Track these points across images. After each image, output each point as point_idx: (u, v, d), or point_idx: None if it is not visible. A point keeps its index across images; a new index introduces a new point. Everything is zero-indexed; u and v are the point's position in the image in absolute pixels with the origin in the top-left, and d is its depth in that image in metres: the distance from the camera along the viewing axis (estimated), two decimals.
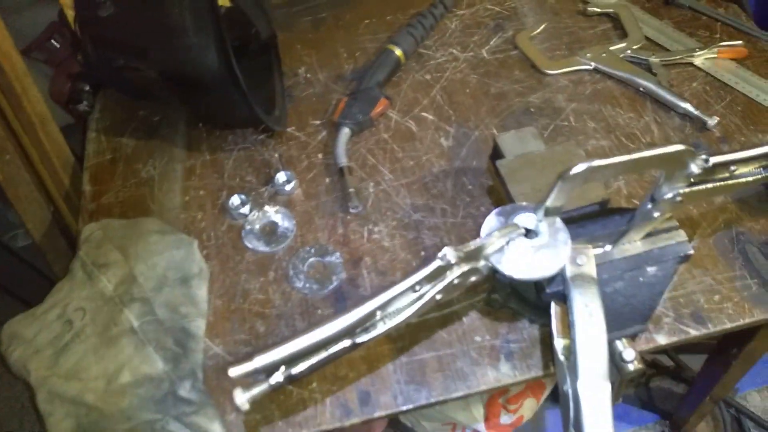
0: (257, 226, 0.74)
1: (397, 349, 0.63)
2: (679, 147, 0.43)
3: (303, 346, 0.42)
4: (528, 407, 1.10)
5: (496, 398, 1.09)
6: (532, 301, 0.62)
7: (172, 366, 0.60)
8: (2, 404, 1.35)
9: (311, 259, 0.70)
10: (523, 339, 0.63)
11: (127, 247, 0.70)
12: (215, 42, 0.69)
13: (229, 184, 0.78)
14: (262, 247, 0.72)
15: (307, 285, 0.68)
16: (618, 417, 1.26)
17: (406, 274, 0.46)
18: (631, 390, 1.27)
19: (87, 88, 0.80)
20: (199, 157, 0.82)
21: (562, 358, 0.48)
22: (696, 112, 0.77)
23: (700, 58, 0.84)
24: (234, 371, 0.40)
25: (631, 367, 0.51)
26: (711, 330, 0.62)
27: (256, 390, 0.43)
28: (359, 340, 0.46)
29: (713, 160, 0.45)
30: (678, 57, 0.84)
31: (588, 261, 0.47)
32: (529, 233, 0.46)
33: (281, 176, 0.76)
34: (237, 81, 0.70)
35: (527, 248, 0.46)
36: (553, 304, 0.51)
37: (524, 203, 0.49)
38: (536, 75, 0.86)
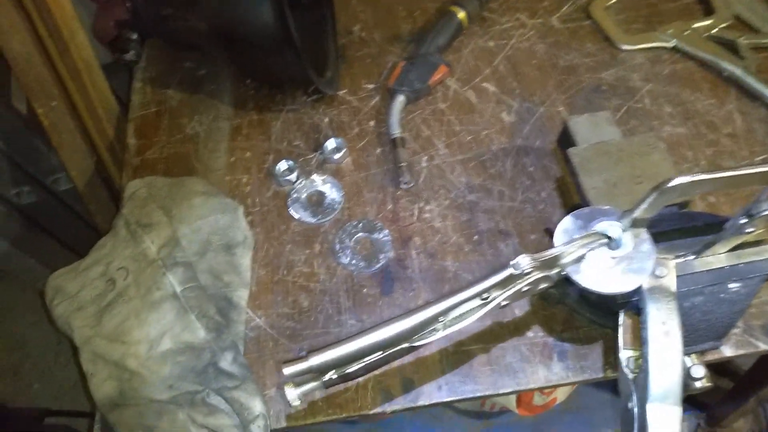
0: (304, 195, 0.71)
1: (444, 337, 0.60)
2: None
3: (360, 348, 0.40)
4: (563, 390, 1.08)
5: None
6: (593, 301, 0.59)
7: (215, 336, 0.59)
8: (39, 339, 1.38)
9: (358, 235, 0.67)
10: (579, 339, 0.60)
11: (171, 207, 0.68)
12: None
13: (275, 148, 0.75)
14: (308, 218, 0.69)
15: (354, 261, 0.65)
16: None
17: (474, 281, 0.43)
18: None
19: (134, 36, 0.77)
20: (246, 116, 0.78)
21: (628, 373, 0.45)
22: None
23: None
24: (288, 370, 0.38)
25: (698, 384, 0.47)
26: None
27: (308, 386, 0.41)
28: (417, 343, 0.43)
29: None
30: None
31: (668, 273, 0.43)
32: (610, 242, 0.42)
33: (331, 143, 0.73)
34: (291, 39, 0.65)
35: (607, 259, 0.42)
36: (622, 313, 0.47)
37: (605, 207, 0.45)
38: (610, 49, 0.80)
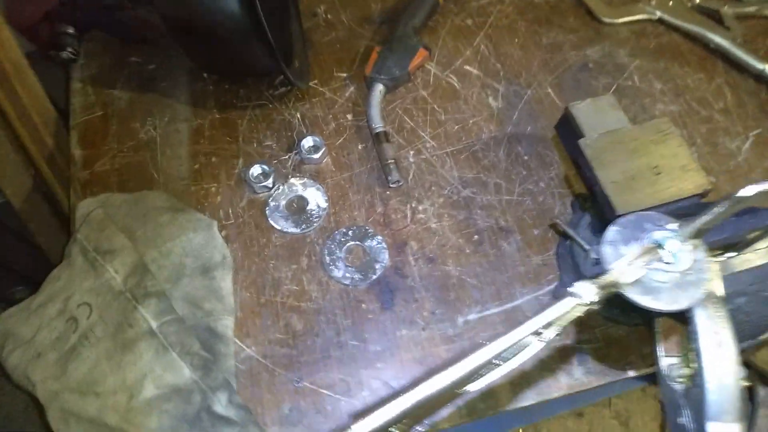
0: (283, 202, 0.64)
1: (455, 349, 0.56)
2: None
3: (411, 406, 0.35)
4: None
5: None
6: (611, 300, 0.56)
7: (202, 374, 0.52)
8: (6, 399, 1.23)
9: (349, 243, 0.61)
10: (596, 339, 0.56)
11: (133, 228, 0.60)
12: None
13: (245, 150, 0.67)
14: (291, 228, 0.62)
15: (347, 274, 0.59)
16: None
17: (533, 314, 0.38)
18: None
19: (70, 30, 0.66)
20: (207, 115, 0.70)
21: (674, 384, 0.42)
22: None
23: None
24: (359, 428, 0.33)
25: None
26: None
27: None
28: (470, 389, 0.38)
29: None
30: (753, 8, 0.74)
31: (714, 276, 0.40)
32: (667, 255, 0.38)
33: (308, 142, 0.66)
34: (261, 28, 0.57)
35: (662, 273, 0.38)
36: (658, 319, 0.44)
37: (649, 213, 0.41)
38: (593, 24, 0.76)
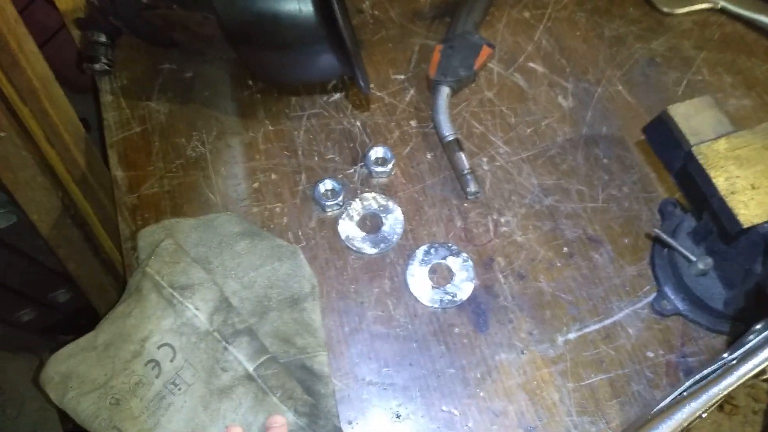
0: (356, 220, 0.59)
1: (559, 372, 0.53)
2: None
3: None
4: None
5: None
6: (715, 309, 0.54)
7: (308, 421, 0.48)
8: None
9: (433, 262, 0.57)
10: (701, 351, 0.54)
11: (209, 258, 0.55)
12: None
13: (306, 164, 0.62)
14: (368, 248, 0.58)
15: (435, 296, 0.56)
16: None
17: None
18: None
19: (103, 38, 0.59)
20: (259, 127, 0.64)
21: None
22: None
23: None
24: None
25: None
26: None
27: None
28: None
29: None
30: None
31: None
32: None
33: (376, 152, 0.61)
34: (338, 32, 0.52)
35: None
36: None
37: None
38: (653, 14, 0.73)
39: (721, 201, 0.48)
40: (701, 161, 0.50)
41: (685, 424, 0.36)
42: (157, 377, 0.49)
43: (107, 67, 0.60)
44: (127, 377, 0.50)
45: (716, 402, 0.36)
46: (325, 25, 0.53)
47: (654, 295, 0.57)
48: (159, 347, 0.51)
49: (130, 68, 0.67)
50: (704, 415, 0.37)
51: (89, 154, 0.67)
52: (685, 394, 0.37)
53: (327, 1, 0.52)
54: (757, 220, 0.47)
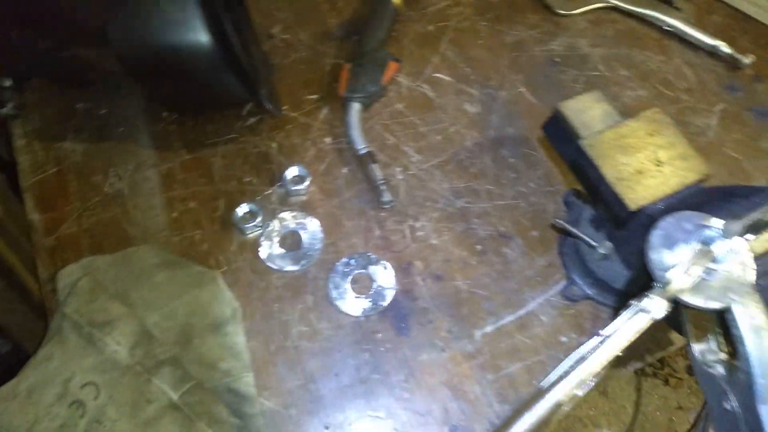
0: (275, 240, 0.61)
1: (478, 366, 0.55)
2: None
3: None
4: None
5: None
6: (619, 290, 0.57)
7: None
8: None
9: (354, 273, 0.59)
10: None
11: (128, 292, 0.56)
12: (200, 9, 0.52)
13: (224, 189, 0.64)
14: (289, 266, 0.59)
15: (357, 305, 0.57)
16: None
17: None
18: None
19: (8, 83, 0.59)
20: (175, 157, 0.65)
21: (715, 371, 0.43)
22: (729, 51, 0.72)
23: None
24: None
25: None
26: None
27: None
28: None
29: None
30: None
31: (748, 263, 0.41)
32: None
33: (291, 172, 0.63)
34: (234, 59, 0.54)
35: (707, 270, 0.38)
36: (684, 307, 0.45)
37: (686, 212, 0.41)
38: (551, 17, 0.76)
39: (610, 188, 0.51)
40: (589, 152, 0.53)
41: (562, 402, 0.38)
42: (81, 417, 0.49)
43: (14, 112, 0.61)
44: (51, 421, 0.50)
45: (589, 377, 0.39)
46: (224, 53, 0.55)
47: (564, 282, 0.59)
48: (82, 387, 0.51)
49: (43, 109, 0.67)
50: (580, 393, 0.39)
51: (5, 199, 0.66)
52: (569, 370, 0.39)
53: (223, 32, 0.54)
54: (643, 203, 0.50)
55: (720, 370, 0.44)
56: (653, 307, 0.36)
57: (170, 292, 0.55)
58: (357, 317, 0.57)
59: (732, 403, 0.42)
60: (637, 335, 0.39)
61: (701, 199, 0.49)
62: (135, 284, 0.56)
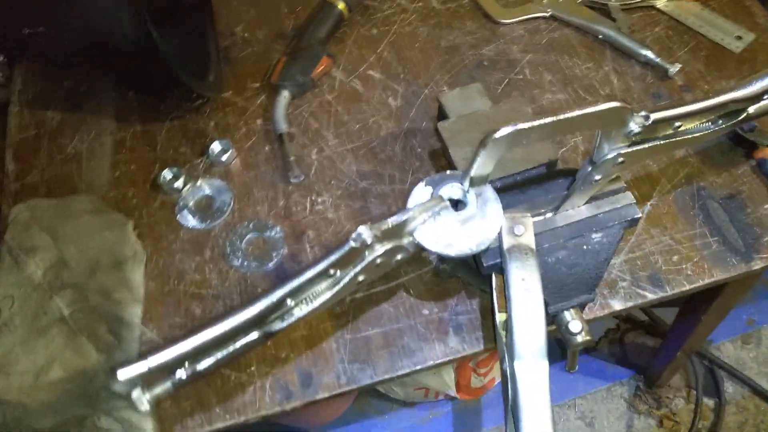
0: (191, 201, 0.69)
1: (340, 326, 0.60)
2: (613, 104, 0.38)
3: (203, 342, 0.38)
4: (498, 369, 1.08)
5: (466, 362, 1.07)
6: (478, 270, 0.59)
7: (106, 357, 0.56)
8: None
9: (249, 235, 0.66)
10: (473, 310, 0.59)
11: (56, 228, 0.65)
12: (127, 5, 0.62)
13: (162, 157, 0.73)
14: (196, 224, 0.67)
15: (246, 263, 0.64)
16: (592, 373, 1.26)
17: (319, 258, 0.42)
18: (605, 346, 1.26)
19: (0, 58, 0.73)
20: (130, 128, 0.76)
21: (502, 333, 0.45)
22: (657, 60, 0.72)
23: (662, 1, 0.78)
24: (123, 373, 0.36)
25: (578, 339, 0.47)
26: (669, 293, 0.59)
27: (159, 389, 0.39)
28: (273, 329, 0.42)
29: (654, 116, 0.41)
30: (639, 0, 0.79)
31: (526, 231, 0.43)
32: (457, 205, 0.42)
33: (216, 146, 0.71)
34: (155, 49, 0.63)
35: (454, 222, 0.41)
36: (494, 276, 0.47)
37: (451, 171, 0.45)
38: (490, 25, 0.81)
39: (455, 167, 0.55)
40: (444, 135, 0.57)
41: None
42: None
43: (1, 81, 0.74)
44: None
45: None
46: (147, 44, 0.64)
47: (438, 262, 0.62)
48: (3, 298, 0.61)
49: (37, 85, 0.81)
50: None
51: None
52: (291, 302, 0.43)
53: (146, 28, 0.63)
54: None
55: (502, 332, 0.46)
56: (363, 237, 0.40)
57: (88, 232, 0.64)
58: (243, 273, 0.64)
59: (505, 364, 0.44)
60: (357, 266, 0.42)
61: (533, 178, 0.51)
62: (64, 222, 0.65)
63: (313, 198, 0.68)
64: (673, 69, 0.71)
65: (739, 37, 0.74)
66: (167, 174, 0.70)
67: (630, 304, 0.58)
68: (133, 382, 0.37)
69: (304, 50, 0.76)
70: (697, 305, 0.87)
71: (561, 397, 1.23)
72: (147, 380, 0.39)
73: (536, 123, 0.37)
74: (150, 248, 0.66)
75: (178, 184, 0.69)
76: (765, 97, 0.44)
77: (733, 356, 1.25)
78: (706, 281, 0.59)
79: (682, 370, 1.18)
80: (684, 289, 0.59)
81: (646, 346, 1.20)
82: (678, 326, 0.99)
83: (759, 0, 0.79)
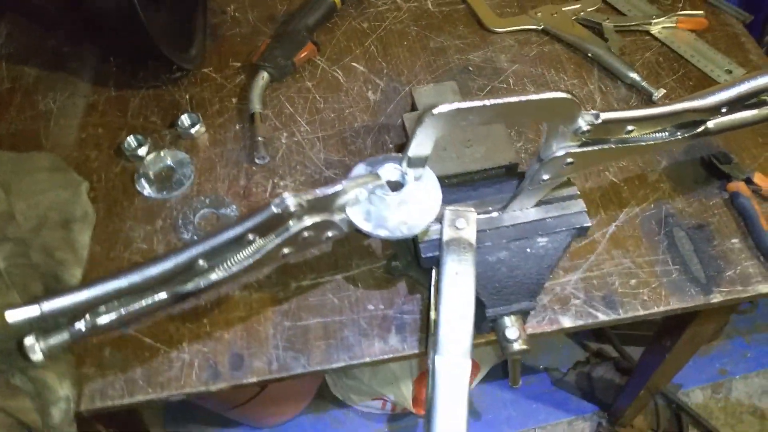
0: (152, 171, 0.67)
1: (281, 312, 0.58)
2: (559, 94, 0.37)
3: (103, 293, 0.36)
4: None
5: (424, 375, 1.04)
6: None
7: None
8: None
9: (204, 210, 0.64)
10: (419, 311, 0.57)
11: (11, 182, 0.64)
12: None
13: (131, 124, 0.72)
14: (153, 193, 0.66)
15: (195, 237, 0.62)
16: (555, 404, 1.23)
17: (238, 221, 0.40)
18: (573, 378, 1.23)
19: None
20: (104, 92, 0.75)
21: (433, 329, 0.43)
22: (643, 83, 0.71)
23: (657, 27, 0.77)
24: (12, 315, 0.35)
25: (515, 346, 0.45)
26: (622, 316, 0.57)
27: (54, 339, 0.37)
28: (183, 290, 0.40)
29: (604, 116, 0.39)
30: (634, 24, 0.78)
31: (468, 225, 0.42)
32: (396, 186, 0.41)
33: (186, 119, 0.70)
34: (138, 18, 0.62)
35: (390, 203, 0.40)
36: (434, 271, 0.46)
37: (395, 154, 0.43)
38: (481, 32, 0.80)
39: None
40: (407, 125, 0.55)
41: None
42: None
43: None
44: None
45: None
46: (130, 13, 0.63)
47: (389, 252, 0.61)
48: None
49: (20, 40, 0.80)
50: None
51: None
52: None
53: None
54: (438, 173, 0.52)
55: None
56: (286, 203, 0.38)
57: (42, 189, 0.63)
58: None
59: (430, 359, 0.42)
60: (280, 237, 0.40)
61: (490, 177, 0.50)
62: (19, 178, 0.64)
63: (275, 180, 0.67)
64: (658, 94, 0.70)
65: (729, 71, 0.73)
66: (132, 141, 0.68)
67: (580, 322, 0.56)
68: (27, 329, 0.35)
69: (289, 34, 0.75)
70: (664, 342, 0.85)
71: (521, 424, 1.20)
72: (44, 330, 0.37)
73: (477, 104, 0.35)
74: (102, 212, 0.64)
75: (142, 151, 0.68)
76: (724, 110, 0.42)
77: (701, 404, 1.22)
78: (662, 308, 0.57)
79: (647, 412, 1.15)
80: (638, 313, 0.56)
81: (614, 383, 1.17)
82: (644, 362, 0.96)
83: (755, 38, 0.78)
